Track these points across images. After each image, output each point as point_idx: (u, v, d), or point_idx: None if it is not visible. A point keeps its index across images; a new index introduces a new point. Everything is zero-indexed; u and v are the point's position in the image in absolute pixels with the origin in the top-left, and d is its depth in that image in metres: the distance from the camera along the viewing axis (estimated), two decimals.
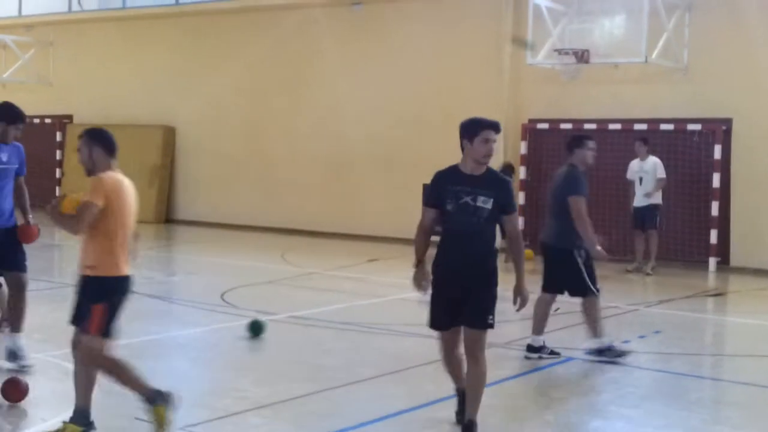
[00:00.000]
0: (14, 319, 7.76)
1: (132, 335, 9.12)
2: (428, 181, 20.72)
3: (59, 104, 23.76)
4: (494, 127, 6.21)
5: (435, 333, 6.38)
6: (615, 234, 16.51)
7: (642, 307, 12.00)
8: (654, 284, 14.42)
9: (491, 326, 6.04)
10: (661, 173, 15.12)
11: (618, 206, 16.38)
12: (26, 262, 7.91)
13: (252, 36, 20.87)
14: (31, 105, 24.07)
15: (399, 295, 12.90)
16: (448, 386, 7.56)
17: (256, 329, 9.29)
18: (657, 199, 15.20)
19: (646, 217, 15.20)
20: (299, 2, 20.13)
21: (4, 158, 7.68)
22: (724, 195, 15.78)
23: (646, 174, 15.15)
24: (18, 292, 7.80)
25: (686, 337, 10.47)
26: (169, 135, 22.19)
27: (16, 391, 6.69)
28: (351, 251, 17.22)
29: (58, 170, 23.64)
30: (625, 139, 16.66)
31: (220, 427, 6.44)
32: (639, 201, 15.25)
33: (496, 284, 6.12)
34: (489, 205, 5.98)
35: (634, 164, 15.37)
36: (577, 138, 9.19)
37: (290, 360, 8.59)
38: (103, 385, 6.20)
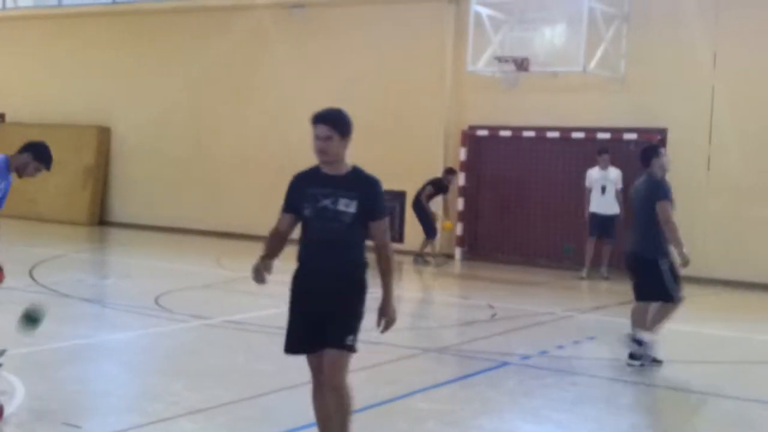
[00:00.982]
0: None
1: (62, 339, 8.95)
2: None
3: None
4: (323, 120, 5.48)
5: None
6: (556, 240, 16.72)
7: (577, 314, 12.11)
8: (589, 291, 14.58)
9: (351, 348, 5.21)
10: (620, 184, 15.34)
11: (558, 213, 16.54)
12: None
13: (195, 37, 20.65)
14: None
15: None
16: (383, 391, 7.55)
17: (31, 320, 8.20)
18: (617, 208, 15.38)
19: (607, 225, 15.36)
20: (243, 3, 19.98)
21: None
22: None
23: (609, 183, 15.35)
24: None
25: (619, 343, 10.56)
26: (104, 135, 21.83)
27: None
28: (288, 256, 17.06)
29: None
30: (562, 147, 16.84)
31: (153, 430, 6.31)
32: (601, 208, 15.38)
33: (361, 300, 5.31)
34: (353, 209, 5.23)
35: (594, 172, 15.52)
36: (652, 148, 9.48)
37: (223, 365, 8.48)
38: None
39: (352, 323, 5.27)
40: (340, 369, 5.18)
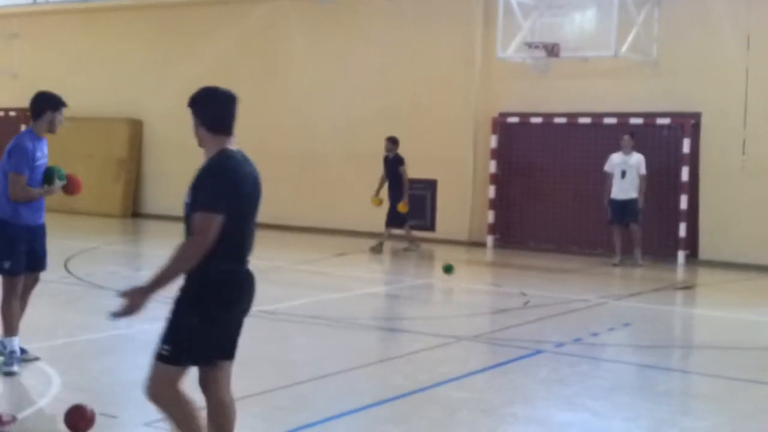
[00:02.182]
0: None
1: (97, 330, 9.02)
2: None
3: (23, 97, 23.21)
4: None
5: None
6: (588, 227, 16.59)
7: (611, 300, 12.01)
8: (623, 277, 14.47)
9: (162, 358, 4.59)
10: (643, 170, 15.15)
11: (591, 199, 16.43)
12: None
13: (221, 28, 20.69)
14: None
15: (366, 289, 12.87)
16: (418, 379, 7.55)
17: (448, 269, 12.64)
18: (635, 193, 15.21)
19: (627, 210, 15.20)
20: None
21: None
22: (693, 188, 15.85)
23: (630, 168, 15.16)
24: (27, 292, 7.49)
25: (655, 329, 10.49)
26: (135, 128, 21.96)
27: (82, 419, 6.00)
28: (319, 245, 17.13)
29: None
30: (594, 133, 16.70)
31: None
32: (619, 194, 15.23)
33: (188, 307, 4.64)
34: (188, 200, 4.70)
35: (616, 157, 15.34)
36: None
37: (257, 355, 8.48)
38: None
39: (169, 331, 4.63)
40: (154, 380, 4.63)
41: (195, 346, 4.64)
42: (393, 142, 16.40)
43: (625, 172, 15.18)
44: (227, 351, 4.84)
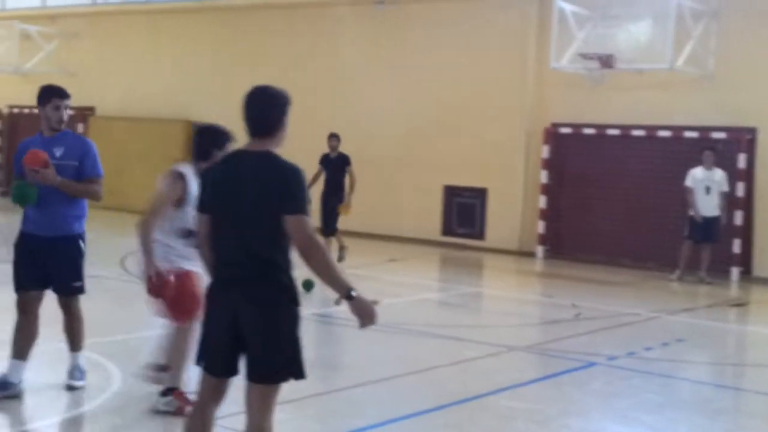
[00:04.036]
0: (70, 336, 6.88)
1: (154, 327, 9.14)
2: (449, 181, 20.74)
3: (81, 96, 23.75)
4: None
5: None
6: (641, 240, 16.43)
7: (664, 315, 11.93)
8: (675, 292, 14.34)
9: (290, 377, 4.50)
10: (726, 187, 14.96)
11: (643, 212, 16.32)
12: (83, 282, 6.77)
13: (278, 32, 20.87)
14: None
15: (418, 295, 12.91)
16: (472, 387, 7.57)
17: (308, 286, 9.97)
18: (719, 210, 14.98)
19: (712, 228, 14.89)
20: (323, 0, 20.13)
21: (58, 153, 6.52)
22: (748, 204, 15.67)
23: (714, 184, 14.87)
24: (66, 314, 6.83)
25: (708, 345, 10.41)
26: (189, 129, 22.21)
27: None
28: (371, 250, 17.19)
29: None
30: (648, 146, 16.59)
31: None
32: (707, 211, 14.90)
33: (293, 319, 4.45)
34: None
35: (698, 172, 14.98)
36: None
37: (311, 357, 8.56)
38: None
39: (293, 353, 4.53)
40: (269, 408, 4.49)
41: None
42: (338, 139, 14.93)
43: (710, 188, 14.88)
44: None
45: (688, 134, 16.10)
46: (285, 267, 4.36)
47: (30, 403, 6.51)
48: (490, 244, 17.87)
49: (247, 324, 4.30)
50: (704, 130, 16.00)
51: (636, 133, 16.65)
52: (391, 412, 6.79)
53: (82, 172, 6.50)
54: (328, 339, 9.48)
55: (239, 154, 4.50)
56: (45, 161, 6.31)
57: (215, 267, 4.46)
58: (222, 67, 21.61)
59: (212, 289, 4.48)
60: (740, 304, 13.62)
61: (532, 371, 8.54)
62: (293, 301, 4.38)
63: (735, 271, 15.51)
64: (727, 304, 13.41)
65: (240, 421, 6.35)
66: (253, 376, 4.36)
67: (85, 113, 23.76)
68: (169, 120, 22.17)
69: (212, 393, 4.53)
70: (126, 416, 6.39)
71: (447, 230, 18.50)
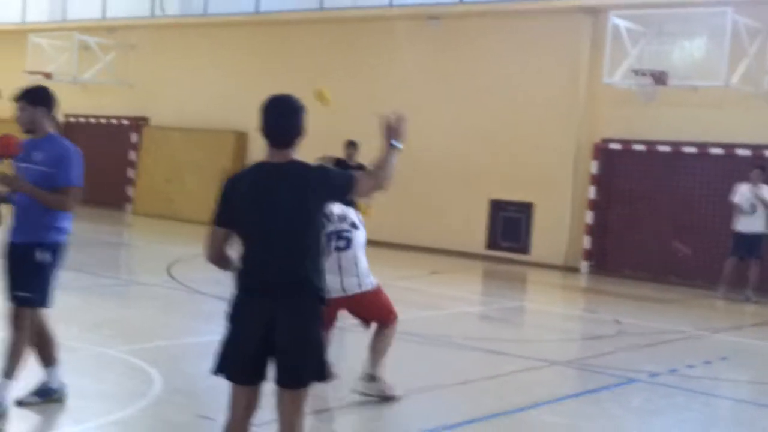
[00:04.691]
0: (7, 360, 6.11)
1: (196, 334, 9.30)
2: (497, 196, 20.75)
3: (137, 106, 24.26)
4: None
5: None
6: (689, 257, 16.24)
7: (708, 333, 11.78)
8: (722, 310, 14.16)
9: (322, 379, 4.53)
10: None
11: (692, 229, 16.15)
12: (33, 293, 6.06)
13: (329, 46, 21.05)
14: (110, 106, 24.84)
15: (459, 308, 12.90)
16: (510, 401, 7.56)
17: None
18: (763, 227, 14.85)
19: (754, 245, 14.77)
20: (378, 14, 20.26)
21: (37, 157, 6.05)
22: None
23: (760, 201, 14.75)
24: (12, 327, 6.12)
25: (753, 364, 10.26)
26: (241, 140, 22.48)
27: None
28: (414, 263, 17.23)
29: (130, 170, 24.14)
30: (699, 163, 16.42)
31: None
32: (747, 227, 14.76)
33: (320, 322, 4.54)
34: None
35: (745, 189, 14.82)
36: None
37: (350, 367, 8.62)
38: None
39: (322, 356, 4.59)
40: (303, 410, 4.59)
41: None
42: (355, 146, 14.35)
43: (755, 206, 14.80)
44: None
45: (741, 152, 15.91)
46: (318, 273, 4.45)
47: (71, 405, 6.63)
48: (535, 259, 17.80)
49: (283, 331, 4.35)
50: (757, 148, 15.80)
51: (687, 150, 16.50)
52: (428, 423, 6.80)
53: (56, 180, 5.99)
54: (359, 349, 9.51)
55: (265, 166, 4.53)
56: (11, 146, 6.01)
57: (245, 277, 4.51)
58: (276, 79, 21.75)
59: (242, 299, 4.52)
60: None
61: (572, 386, 8.50)
62: (323, 302, 4.47)
63: None
64: None
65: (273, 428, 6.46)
66: (286, 381, 4.41)
67: (139, 123, 24.17)
68: (222, 131, 22.45)
69: (246, 403, 4.56)
70: (165, 421, 6.49)
71: (492, 244, 18.48)
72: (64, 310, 6.87)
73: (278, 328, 4.36)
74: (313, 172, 4.50)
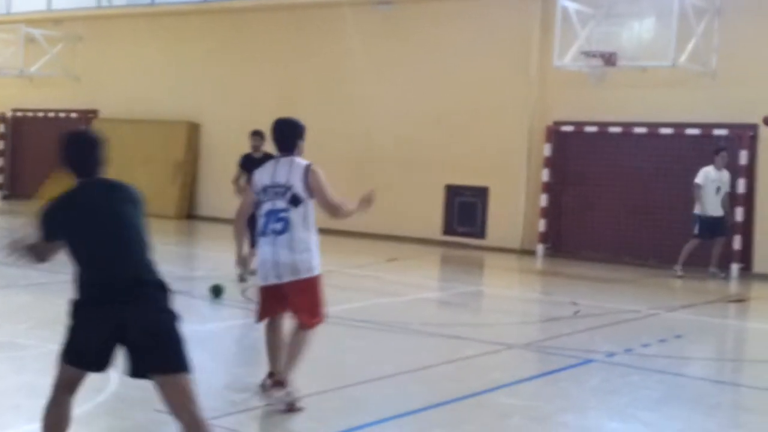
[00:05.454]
0: None
1: None
2: (453, 181, 20.75)
3: (85, 99, 23.93)
4: None
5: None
6: (641, 237, 16.45)
7: (663, 311, 11.94)
8: (675, 289, 14.36)
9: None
10: (729, 187, 15.11)
11: (644, 210, 16.33)
12: None
13: (280, 34, 20.92)
14: (57, 99, 24.47)
15: (417, 294, 12.93)
16: (468, 385, 7.60)
17: (217, 292, 10.99)
18: (723, 210, 15.09)
19: (718, 226, 15.02)
20: (328, 1, 20.17)
21: None
22: (748, 201, 15.68)
23: (724, 185, 15.00)
24: None
25: (706, 341, 10.42)
26: (193, 131, 22.29)
27: None
28: (371, 250, 17.24)
29: None
30: (650, 143, 16.60)
31: (240, 420, 6.47)
32: (713, 210, 14.99)
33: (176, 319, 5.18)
34: None
35: (712, 172, 15.01)
36: None
37: (309, 357, 8.60)
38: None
39: (183, 346, 5.13)
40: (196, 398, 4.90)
41: None
42: (262, 137, 12.66)
43: (720, 189, 14.97)
44: None
45: (690, 131, 16.11)
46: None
47: (24, 404, 6.54)
48: (491, 243, 17.91)
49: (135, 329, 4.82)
50: (706, 126, 16.00)
51: (637, 130, 16.66)
52: (388, 410, 6.81)
53: None
54: (327, 338, 9.50)
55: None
56: None
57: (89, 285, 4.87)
58: (225, 68, 21.67)
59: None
60: (739, 300, 13.63)
61: (530, 368, 8.57)
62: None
63: (735, 268, 15.51)
64: (727, 301, 13.43)
65: (236, 421, 6.41)
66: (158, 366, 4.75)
67: (88, 116, 23.85)
68: (174, 122, 22.23)
69: (72, 384, 4.96)
70: (122, 417, 6.43)
71: (448, 229, 18.53)
72: (14, 308, 6.77)
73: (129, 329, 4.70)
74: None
